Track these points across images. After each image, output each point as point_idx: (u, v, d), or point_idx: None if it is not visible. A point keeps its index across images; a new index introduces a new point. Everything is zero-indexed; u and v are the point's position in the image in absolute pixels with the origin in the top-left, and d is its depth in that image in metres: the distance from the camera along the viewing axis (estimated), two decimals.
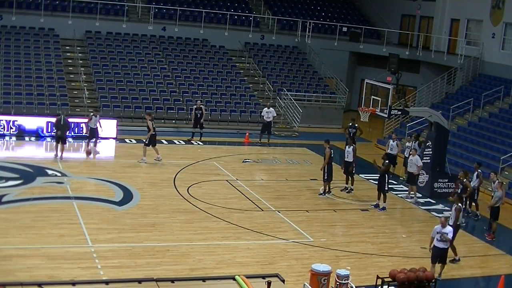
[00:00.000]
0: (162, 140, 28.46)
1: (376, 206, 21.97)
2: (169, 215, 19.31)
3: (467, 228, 20.55)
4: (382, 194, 21.85)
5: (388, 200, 23.13)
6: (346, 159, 23.47)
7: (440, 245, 15.93)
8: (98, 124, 25.78)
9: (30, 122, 27.42)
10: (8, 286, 11.16)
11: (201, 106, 29.46)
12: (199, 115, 29.12)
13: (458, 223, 17.49)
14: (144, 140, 24.93)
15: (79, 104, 30.73)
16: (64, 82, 31.53)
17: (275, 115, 30.88)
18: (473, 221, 21.76)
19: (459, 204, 17.73)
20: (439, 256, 16.07)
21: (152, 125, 24.76)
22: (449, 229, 15.88)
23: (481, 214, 21.84)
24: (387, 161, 22.20)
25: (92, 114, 25.82)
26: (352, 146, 23.40)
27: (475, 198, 22.02)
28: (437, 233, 15.91)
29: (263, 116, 30.03)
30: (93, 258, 15.67)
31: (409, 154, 25.36)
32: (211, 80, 34.79)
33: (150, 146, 24.77)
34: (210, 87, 34.20)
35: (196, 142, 28.93)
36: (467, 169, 23.96)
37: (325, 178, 22.66)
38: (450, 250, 16.56)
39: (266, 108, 30.07)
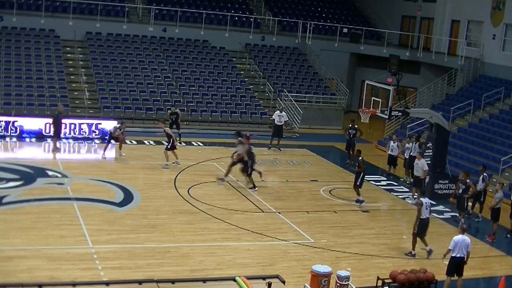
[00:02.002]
0: (162, 141, 28.44)
1: (358, 201, 22.02)
2: (169, 216, 19.31)
3: (469, 230, 20.50)
4: (357, 189, 22.04)
5: (389, 201, 23.18)
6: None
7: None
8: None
9: (31, 123, 27.41)
10: (8, 287, 11.17)
11: (176, 111, 28.64)
12: (174, 119, 28.44)
13: (422, 217, 17.60)
14: (167, 145, 24.52)
15: (80, 105, 30.75)
16: (65, 83, 31.55)
17: (287, 119, 30.64)
18: (474, 223, 21.76)
19: (420, 199, 17.84)
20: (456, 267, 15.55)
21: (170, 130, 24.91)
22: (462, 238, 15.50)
23: (483, 216, 21.87)
24: (360, 158, 22.29)
25: (118, 127, 25.35)
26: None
27: (482, 200, 21.99)
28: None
29: (273, 120, 29.44)
30: (94, 259, 15.67)
31: (409, 156, 25.45)
32: (212, 81, 34.79)
33: (171, 150, 24.55)
34: (210, 88, 34.20)
35: (181, 142, 28.60)
36: (467, 169, 23.99)
37: (248, 173, 22.73)
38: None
39: (278, 112, 29.50)
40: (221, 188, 22.67)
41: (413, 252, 17.89)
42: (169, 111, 29.02)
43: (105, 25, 36.04)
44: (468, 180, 21.04)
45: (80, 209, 19.01)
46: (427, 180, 23.72)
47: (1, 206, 18.65)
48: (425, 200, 17.77)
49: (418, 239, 17.86)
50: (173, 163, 24.59)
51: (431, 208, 18.64)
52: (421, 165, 22.96)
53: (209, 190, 22.22)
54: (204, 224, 18.87)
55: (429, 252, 17.90)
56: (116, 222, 18.33)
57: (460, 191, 21.14)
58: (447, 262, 15.60)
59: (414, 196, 23.42)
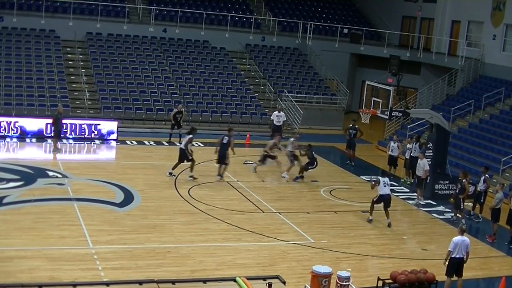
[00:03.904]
0: (163, 142, 28.50)
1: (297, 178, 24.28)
2: (170, 217, 19.31)
3: (469, 230, 20.51)
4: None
5: None
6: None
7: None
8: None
9: (31, 124, 27.41)
10: None
11: (182, 110, 28.68)
12: (179, 118, 28.40)
13: (381, 193, 20.05)
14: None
15: (80, 105, 30.76)
16: (65, 84, 31.56)
17: (285, 119, 30.62)
18: (474, 223, 21.76)
19: (379, 177, 20.28)
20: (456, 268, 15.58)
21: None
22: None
23: (483, 216, 21.88)
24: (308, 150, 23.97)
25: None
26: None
27: (482, 201, 21.99)
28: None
29: (272, 120, 29.51)
30: (94, 259, 15.67)
31: (410, 156, 25.47)
32: (212, 81, 34.79)
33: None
34: (211, 88, 34.20)
35: (177, 142, 28.54)
36: (467, 170, 23.99)
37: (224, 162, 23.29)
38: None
39: (276, 112, 29.59)
40: (222, 188, 22.66)
41: (370, 217, 20.48)
42: (174, 110, 28.80)
43: (106, 25, 36.06)
44: (464, 180, 21.04)
45: (81, 209, 19.01)
46: (427, 180, 23.74)
47: (2, 207, 18.65)
48: (383, 179, 20.31)
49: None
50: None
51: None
52: (422, 165, 23.01)
53: (210, 191, 22.22)
54: (205, 224, 18.87)
55: (369, 221, 20.46)
56: (117, 223, 18.33)
57: (457, 190, 21.21)
58: None
59: (419, 197, 23.36)
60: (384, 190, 20.17)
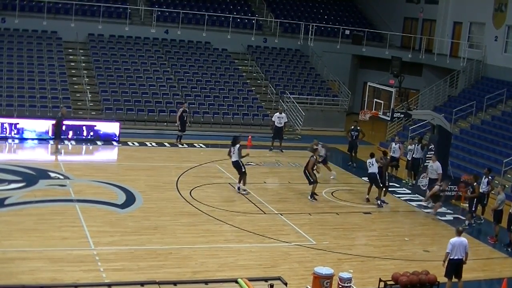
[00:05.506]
0: (165, 143, 28.51)
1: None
2: (171, 218, 19.32)
3: (471, 232, 20.50)
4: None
5: (391, 203, 23.15)
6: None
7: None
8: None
9: (33, 125, 27.42)
10: None
11: (186, 109, 28.83)
12: (185, 117, 28.49)
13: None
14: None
15: (82, 107, 30.78)
16: (67, 85, 31.58)
17: (287, 120, 30.61)
18: (476, 225, 21.74)
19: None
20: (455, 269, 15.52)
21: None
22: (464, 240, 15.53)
23: (485, 218, 21.87)
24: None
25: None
26: None
27: (485, 202, 21.95)
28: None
29: (274, 122, 29.57)
30: (96, 260, 15.67)
31: (412, 158, 25.46)
32: (214, 83, 34.80)
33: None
34: (212, 90, 34.21)
35: (183, 144, 28.58)
36: (470, 172, 23.99)
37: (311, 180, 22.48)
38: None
39: (278, 114, 29.54)
40: (223, 190, 22.66)
41: (366, 197, 22.89)
42: (180, 109, 28.71)
43: (107, 26, 36.09)
44: (475, 184, 21.04)
45: (82, 210, 19.02)
46: (423, 179, 23.79)
47: (3, 208, 18.67)
48: (370, 160, 22.64)
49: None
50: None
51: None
52: (436, 168, 22.81)
53: (211, 192, 22.22)
54: (206, 226, 18.87)
55: (366, 200, 22.71)
56: (118, 224, 18.34)
57: (469, 193, 21.18)
58: None
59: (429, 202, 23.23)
60: (369, 169, 22.69)
